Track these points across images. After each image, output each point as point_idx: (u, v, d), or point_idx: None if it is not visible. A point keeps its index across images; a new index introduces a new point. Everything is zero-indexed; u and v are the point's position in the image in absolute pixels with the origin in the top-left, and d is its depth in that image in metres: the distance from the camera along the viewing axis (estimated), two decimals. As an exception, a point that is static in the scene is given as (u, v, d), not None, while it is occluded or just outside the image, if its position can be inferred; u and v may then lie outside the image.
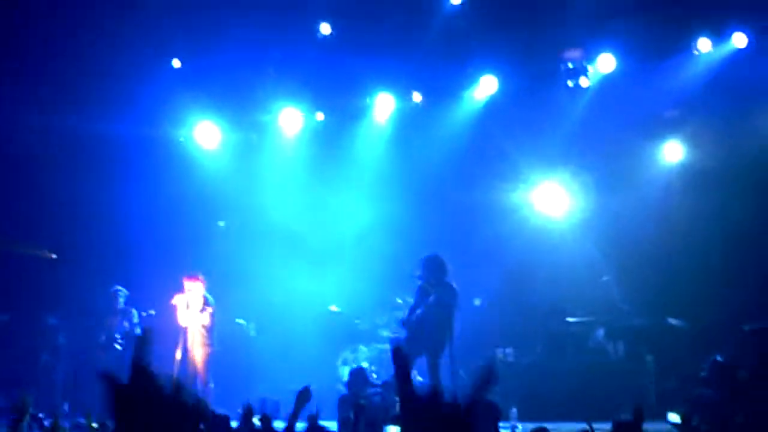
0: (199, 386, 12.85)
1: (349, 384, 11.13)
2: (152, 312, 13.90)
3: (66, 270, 14.62)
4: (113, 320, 13.86)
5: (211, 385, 12.94)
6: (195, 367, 12.99)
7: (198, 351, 13.03)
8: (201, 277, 13.12)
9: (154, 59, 14.99)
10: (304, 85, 15.23)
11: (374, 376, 12.23)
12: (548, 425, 9.76)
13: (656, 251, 13.44)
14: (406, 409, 3.36)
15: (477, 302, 12.54)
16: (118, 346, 13.67)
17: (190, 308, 13.01)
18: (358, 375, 10.72)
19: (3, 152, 14.57)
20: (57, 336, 14.04)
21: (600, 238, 14.02)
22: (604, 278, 13.53)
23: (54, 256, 14.84)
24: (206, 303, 13.07)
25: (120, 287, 14.03)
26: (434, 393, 3.62)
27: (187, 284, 13.02)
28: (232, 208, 15.41)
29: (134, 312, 13.91)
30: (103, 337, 13.77)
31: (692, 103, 13.96)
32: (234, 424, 6.78)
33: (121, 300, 13.97)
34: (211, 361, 13.14)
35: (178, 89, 15.13)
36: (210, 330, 13.12)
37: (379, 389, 11.39)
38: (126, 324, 13.84)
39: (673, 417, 7.14)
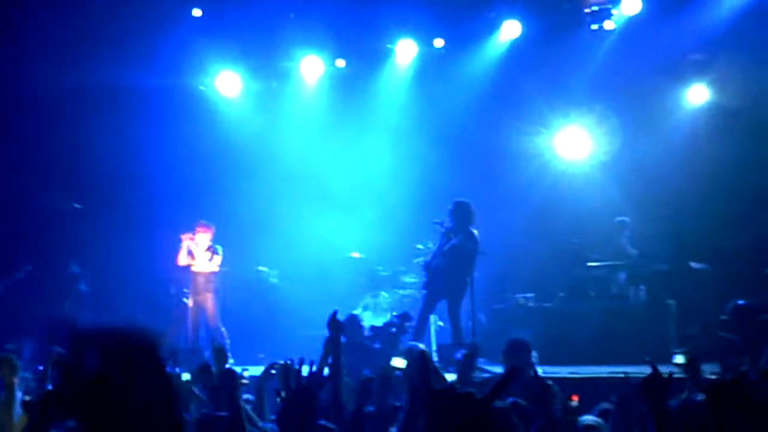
0: (211, 331, 13.04)
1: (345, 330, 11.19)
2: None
3: (89, 219, 14.78)
4: None
5: (223, 329, 13.08)
6: (204, 312, 13.19)
7: (207, 296, 13.20)
8: (210, 226, 13.27)
9: (174, 8, 14.96)
10: (325, 32, 15.09)
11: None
12: (569, 369, 9.85)
13: (680, 195, 13.30)
14: (425, 405, 3.37)
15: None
16: None
17: (196, 255, 13.17)
18: (351, 321, 10.80)
19: (26, 106, 14.67)
20: (79, 283, 14.22)
21: (623, 182, 13.90)
22: (618, 219, 13.41)
23: (78, 206, 15.00)
24: (214, 252, 13.20)
25: None
26: (452, 388, 3.66)
27: (198, 232, 13.19)
28: (253, 155, 15.36)
29: None
30: None
31: (718, 45, 13.69)
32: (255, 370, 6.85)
33: None
34: (218, 305, 13.29)
35: (199, 38, 15.08)
36: (215, 276, 13.27)
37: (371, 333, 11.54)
38: None
39: (679, 359, 7.05)
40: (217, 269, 13.27)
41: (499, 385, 3.66)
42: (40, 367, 7.95)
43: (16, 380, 7.16)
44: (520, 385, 7.10)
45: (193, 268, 13.27)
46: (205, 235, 13.24)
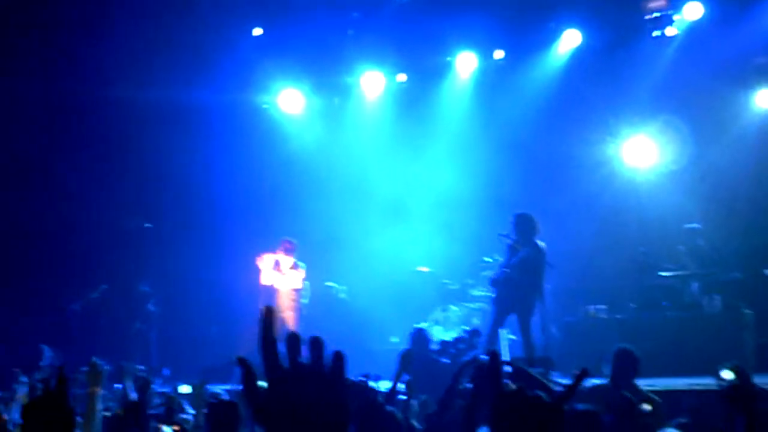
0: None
1: (411, 343, 11.19)
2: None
3: (159, 238, 14.99)
4: None
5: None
6: (285, 327, 13.27)
7: (288, 314, 13.27)
8: (293, 241, 13.37)
9: (236, 28, 15.14)
10: (384, 47, 15.18)
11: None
12: (645, 381, 9.75)
13: (750, 202, 13.13)
14: (495, 408, 3.38)
15: None
16: None
17: (281, 270, 13.25)
18: (419, 335, 10.81)
19: (94, 127, 14.93)
20: (148, 303, 14.40)
21: (691, 190, 13.74)
22: (688, 226, 13.24)
23: (149, 225, 15.23)
24: (296, 267, 13.29)
25: None
26: (521, 388, 3.66)
27: (281, 247, 13.28)
28: (318, 171, 15.46)
29: None
30: None
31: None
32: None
33: None
34: (300, 322, 13.36)
35: (261, 56, 15.26)
36: (298, 293, 13.36)
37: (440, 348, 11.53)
38: None
39: (725, 374, 6.93)
40: (300, 286, 13.35)
41: (570, 388, 3.65)
42: (119, 386, 8.06)
43: (99, 390, 7.15)
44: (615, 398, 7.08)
45: (276, 285, 13.35)
46: (288, 252, 13.33)
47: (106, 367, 6.47)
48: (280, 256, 13.34)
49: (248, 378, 2.01)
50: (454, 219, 14.51)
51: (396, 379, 7.33)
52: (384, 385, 7.89)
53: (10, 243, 14.54)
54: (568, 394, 3.80)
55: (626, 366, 8.10)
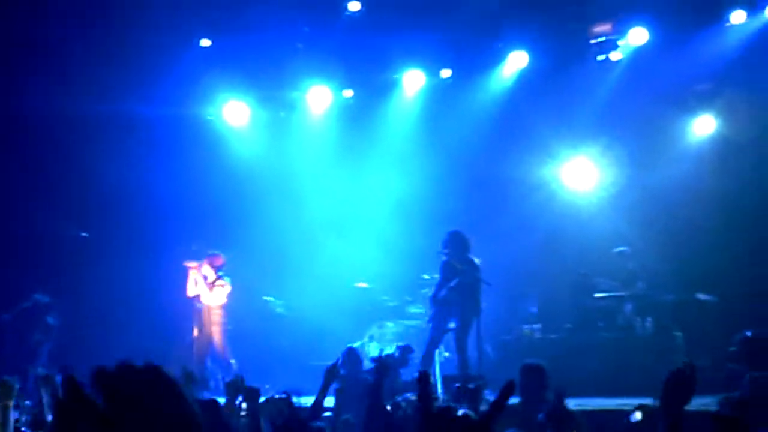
0: (221, 363, 13.04)
1: (343, 363, 11.11)
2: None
3: (96, 248, 14.81)
4: None
5: (233, 361, 13.08)
6: (213, 345, 13.17)
7: (214, 329, 13.22)
8: (220, 256, 13.28)
9: (182, 38, 15.02)
10: (332, 62, 15.15)
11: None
12: (576, 401, 9.78)
13: (686, 226, 13.28)
14: (423, 427, 3.36)
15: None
16: None
17: (203, 286, 13.17)
18: (350, 354, 10.74)
19: (33, 132, 14.73)
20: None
21: (630, 212, 13.88)
22: (617, 250, 13.38)
23: (85, 234, 15.04)
24: (222, 283, 13.20)
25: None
26: (448, 408, 3.63)
27: (207, 260, 13.19)
28: (261, 185, 15.37)
29: None
30: None
31: (725, 76, 13.74)
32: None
33: None
34: (227, 338, 13.27)
35: (207, 67, 15.13)
36: (224, 308, 13.28)
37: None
38: None
39: (637, 415, 7.05)
40: (224, 301, 13.25)
41: (496, 403, 3.63)
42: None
43: (10, 403, 7.01)
44: (544, 413, 7.08)
45: (202, 300, 13.24)
46: (213, 265, 13.24)
47: (17, 386, 6.37)
48: (205, 269, 13.25)
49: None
50: (395, 235, 14.48)
51: (321, 395, 7.25)
52: (307, 401, 7.83)
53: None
54: (495, 409, 3.76)
55: (534, 383, 8.09)
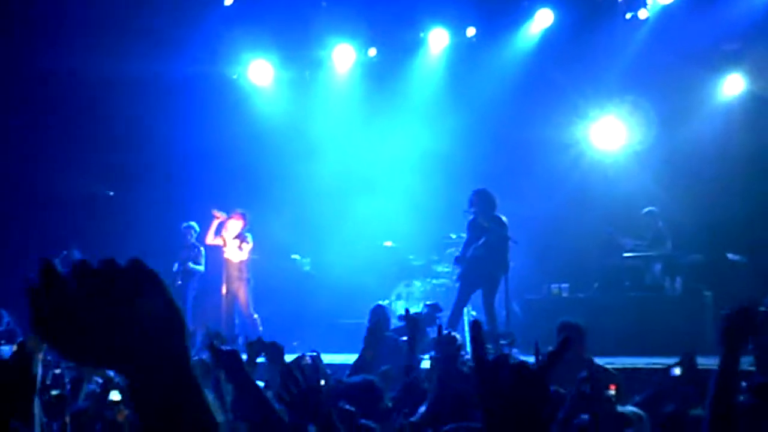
0: (244, 319, 13.13)
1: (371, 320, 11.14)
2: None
3: (122, 206, 14.86)
4: (186, 253, 13.99)
5: (256, 317, 13.18)
6: (237, 301, 13.26)
7: (236, 284, 13.26)
8: (244, 215, 13.31)
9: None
10: (357, 21, 15.09)
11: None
12: (604, 360, 9.80)
13: (715, 185, 13.19)
14: (480, 378, 3.36)
15: None
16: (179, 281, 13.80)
17: (227, 242, 13.29)
18: (378, 311, 10.77)
19: (59, 96, 14.73)
20: None
21: (657, 172, 13.82)
22: (645, 210, 13.32)
23: (110, 193, 15.09)
24: (243, 240, 13.24)
25: (193, 223, 14.08)
26: (504, 356, 3.64)
27: (232, 216, 13.29)
28: (286, 144, 15.35)
29: (202, 249, 14.03)
30: (178, 267, 13.92)
31: (753, 35, 13.59)
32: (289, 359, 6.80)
33: (193, 235, 14.08)
34: (250, 293, 13.35)
35: (231, 27, 15.12)
36: (246, 264, 13.30)
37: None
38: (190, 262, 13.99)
39: (677, 371, 7.02)
40: (246, 257, 13.30)
41: (554, 354, 3.64)
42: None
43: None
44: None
45: (225, 256, 13.33)
46: (237, 222, 13.29)
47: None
48: (231, 223, 13.29)
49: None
50: (422, 194, 14.47)
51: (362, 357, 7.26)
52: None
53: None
54: (552, 360, 3.77)
55: (571, 339, 8.07)
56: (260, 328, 12.75)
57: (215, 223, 13.44)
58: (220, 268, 13.46)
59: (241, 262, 13.32)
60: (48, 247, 13.87)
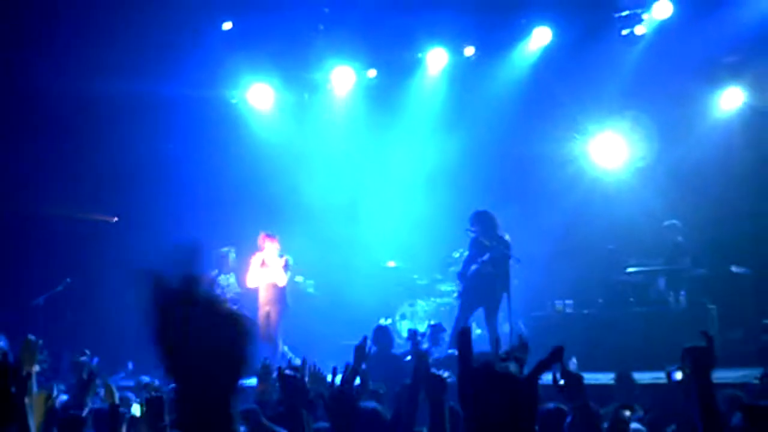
0: (274, 345, 12.78)
1: (373, 341, 11.08)
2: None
3: (121, 231, 14.86)
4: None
5: (285, 348, 12.91)
6: (269, 326, 12.95)
7: (273, 309, 12.99)
8: (275, 236, 13.15)
9: (205, 21, 15.01)
10: (355, 42, 15.11)
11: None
12: (610, 376, 9.75)
13: (717, 199, 13.18)
14: (466, 386, 3.33)
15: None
16: None
17: (267, 267, 13.05)
18: (380, 332, 10.73)
19: (58, 116, 14.76)
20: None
21: (659, 187, 13.80)
22: (666, 223, 13.29)
23: (115, 219, 15.09)
24: (286, 263, 13.07)
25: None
26: (489, 364, 3.60)
27: (267, 243, 13.07)
28: (286, 166, 15.37)
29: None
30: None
31: (752, 47, 13.57)
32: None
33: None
34: (283, 319, 13.13)
35: (230, 51, 15.13)
36: (284, 289, 13.16)
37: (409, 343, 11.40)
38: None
39: (678, 375, 6.97)
40: (284, 282, 13.10)
41: (542, 363, 3.61)
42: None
43: (34, 369, 6.56)
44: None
45: (268, 281, 13.05)
46: (274, 245, 13.11)
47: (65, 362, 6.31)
48: (267, 251, 13.06)
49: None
50: (423, 214, 14.48)
51: (351, 374, 7.20)
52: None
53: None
54: (540, 369, 3.73)
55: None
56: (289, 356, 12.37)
57: (255, 262, 13.15)
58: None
59: (280, 286, 13.11)
60: (48, 271, 13.91)
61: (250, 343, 2.00)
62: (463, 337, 4.14)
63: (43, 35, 14.15)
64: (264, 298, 13.04)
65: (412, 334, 7.52)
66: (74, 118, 14.76)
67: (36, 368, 6.47)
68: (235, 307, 2.09)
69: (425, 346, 11.40)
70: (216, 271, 13.56)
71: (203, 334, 1.98)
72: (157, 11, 14.11)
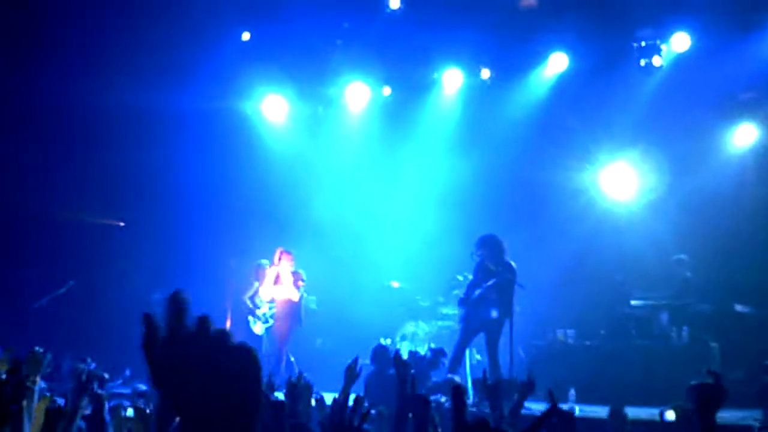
0: (280, 361, 12.81)
1: (372, 360, 11.04)
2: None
3: (130, 238, 14.88)
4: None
5: (292, 358, 12.97)
6: (278, 341, 13.00)
7: (284, 324, 13.08)
8: (291, 252, 13.19)
9: (222, 32, 15.04)
10: (371, 59, 15.11)
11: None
12: (606, 409, 9.69)
13: (726, 235, 13.12)
14: None
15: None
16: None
17: (281, 282, 13.08)
18: (379, 351, 10.73)
19: (71, 129, 14.82)
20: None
21: (669, 220, 13.73)
22: (676, 257, 13.22)
23: (122, 224, 15.11)
24: (299, 278, 13.10)
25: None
26: (484, 424, 3.58)
27: (282, 258, 13.10)
28: (297, 179, 15.38)
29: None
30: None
31: (768, 84, 13.55)
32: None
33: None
34: (293, 334, 13.18)
35: (246, 61, 15.16)
36: (298, 305, 13.18)
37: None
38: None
39: (669, 414, 7.00)
40: (298, 297, 13.17)
41: (537, 421, 3.59)
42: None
43: (37, 380, 6.56)
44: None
45: (283, 297, 13.17)
46: (288, 261, 13.14)
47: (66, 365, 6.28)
48: (284, 265, 13.12)
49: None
50: (431, 235, 14.46)
51: (342, 396, 7.17)
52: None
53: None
54: (538, 425, 3.71)
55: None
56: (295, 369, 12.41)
57: (270, 274, 13.21)
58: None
59: (294, 302, 13.16)
60: (52, 273, 13.94)
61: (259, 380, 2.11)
62: (456, 393, 4.16)
63: (59, 44, 14.18)
64: (278, 312, 13.16)
65: (397, 355, 7.38)
66: (89, 125, 14.81)
67: (42, 384, 6.49)
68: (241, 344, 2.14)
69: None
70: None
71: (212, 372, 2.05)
72: (174, 21, 14.15)
